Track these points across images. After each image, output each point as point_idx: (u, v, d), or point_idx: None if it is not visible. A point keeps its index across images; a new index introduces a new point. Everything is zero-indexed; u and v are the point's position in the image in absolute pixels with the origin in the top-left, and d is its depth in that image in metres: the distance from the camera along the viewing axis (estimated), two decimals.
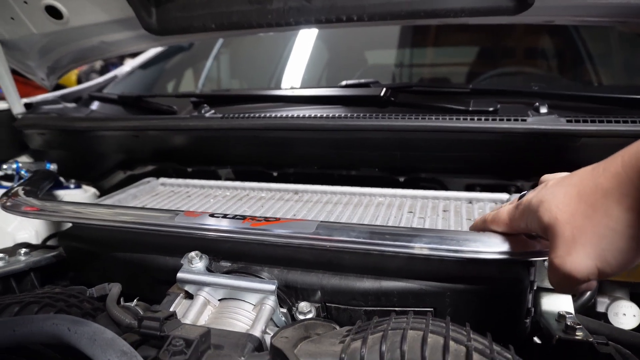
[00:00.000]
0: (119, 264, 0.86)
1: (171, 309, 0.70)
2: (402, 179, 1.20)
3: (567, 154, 1.00)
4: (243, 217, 0.73)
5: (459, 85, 1.29)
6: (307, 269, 0.73)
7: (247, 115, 1.19)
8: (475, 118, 1.00)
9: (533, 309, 0.72)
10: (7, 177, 1.42)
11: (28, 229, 1.33)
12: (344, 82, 1.40)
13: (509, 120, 0.98)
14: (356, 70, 2.24)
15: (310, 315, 0.71)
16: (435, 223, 0.89)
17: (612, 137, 0.92)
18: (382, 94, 1.21)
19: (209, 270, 0.73)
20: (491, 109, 1.12)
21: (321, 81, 2.25)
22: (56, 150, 1.63)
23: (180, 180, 1.25)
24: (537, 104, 1.02)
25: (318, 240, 0.67)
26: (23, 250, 0.92)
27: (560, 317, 0.69)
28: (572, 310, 0.72)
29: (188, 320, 0.68)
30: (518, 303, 0.69)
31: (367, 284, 0.71)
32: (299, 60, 2.26)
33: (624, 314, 0.91)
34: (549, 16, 1.10)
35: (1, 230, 1.28)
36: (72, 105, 1.84)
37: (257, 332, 0.64)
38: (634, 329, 0.90)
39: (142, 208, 0.88)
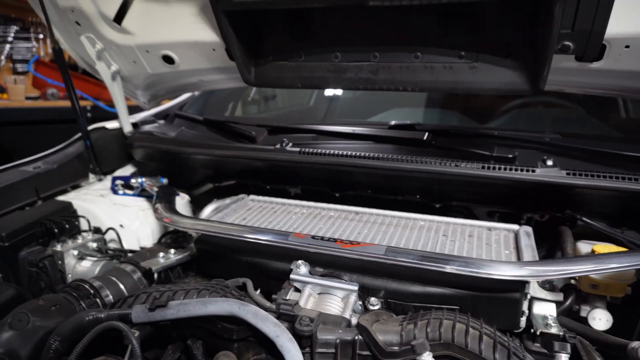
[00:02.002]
0: (240, 265, 1.25)
1: (286, 298, 1.08)
2: (437, 205, 1.55)
3: (565, 198, 1.34)
4: (335, 240, 1.11)
5: (486, 132, 1.61)
6: (376, 276, 1.10)
7: (320, 151, 1.56)
8: (497, 167, 1.35)
9: (527, 311, 1.07)
10: (129, 187, 1.84)
11: (146, 229, 1.75)
12: (392, 122, 1.75)
13: (522, 171, 1.32)
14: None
15: (377, 307, 1.08)
16: (463, 246, 1.24)
17: (598, 190, 1.25)
18: (425, 138, 1.56)
19: (310, 273, 1.11)
20: (510, 156, 1.45)
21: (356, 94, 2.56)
22: (156, 163, 2.04)
23: (265, 198, 1.63)
24: (545, 157, 1.35)
25: (386, 259, 1.04)
26: (172, 251, 1.32)
27: (544, 317, 1.04)
28: (554, 314, 1.07)
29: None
30: (515, 307, 1.04)
31: (416, 288, 1.07)
32: None
33: (600, 319, 1.24)
34: (559, 86, 1.42)
35: (128, 229, 1.70)
36: (162, 122, 2.25)
37: (347, 316, 1.01)
38: (606, 331, 1.23)
39: (263, 229, 1.27)
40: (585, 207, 1.35)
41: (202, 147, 1.77)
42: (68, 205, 1.65)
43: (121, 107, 1.99)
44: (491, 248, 1.23)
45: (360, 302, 1.09)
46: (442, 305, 1.06)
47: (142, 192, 1.79)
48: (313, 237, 1.14)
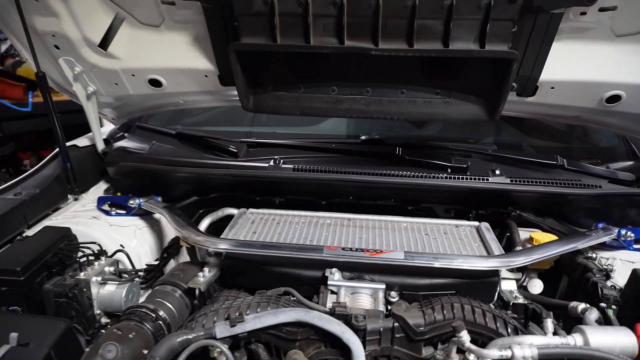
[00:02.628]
0: (272, 275, 1.46)
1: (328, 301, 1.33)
2: (410, 208, 1.90)
3: (508, 198, 1.77)
4: (362, 250, 1.38)
5: (443, 145, 1.99)
6: (393, 274, 1.41)
7: (312, 168, 1.80)
8: (460, 177, 1.73)
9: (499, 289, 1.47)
10: (118, 206, 1.88)
11: (144, 246, 1.83)
12: (363, 137, 2.05)
13: (478, 180, 1.72)
14: None
15: (396, 299, 1.38)
16: (444, 242, 1.60)
17: (531, 192, 1.70)
18: (397, 152, 1.89)
19: (343, 278, 1.38)
20: (464, 165, 1.85)
21: None
22: (133, 179, 2.07)
23: (263, 210, 1.82)
24: (494, 167, 1.77)
25: (407, 263, 1.35)
26: (206, 269, 1.47)
27: (511, 292, 1.45)
28: (515, 288, 1.48)
29: None
30: (494, 287, 1.43)
31: (425, 281, 1.40)
32: None
33: (536, 286, 1.69)
34: (508, 112, 1.82)
35: (128, 248, 1.77)
36: (126, 135, 2.25)
37: (381, 309, 1.30)
38: (540, 293, 1.69)
39: (298, 245, 1.48)
40: (520, 203, 1.81)
41: (196, 166, 1.88)
42: (67, 231, 1.66)
43: (95, 126, 1.98)
44: (464, 242, 1.61)
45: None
46: (443, 291, 1.41)
47: (138, 211, 1.86)
48: (343, 248, 1.40)
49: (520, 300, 1.41)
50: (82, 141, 2.08)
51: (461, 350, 1.19)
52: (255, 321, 1.18)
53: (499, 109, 1.57)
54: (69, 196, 1.94)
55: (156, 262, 1.75)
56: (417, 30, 1.40)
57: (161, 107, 2.05)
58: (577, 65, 1.57)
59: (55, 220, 1.79)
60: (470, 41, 1.42)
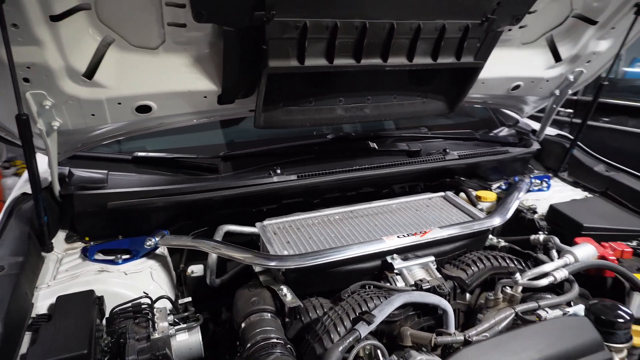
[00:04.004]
0: (338, 276, 1.61)
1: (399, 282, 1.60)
2: (384, 191, 2.24)
3: (455, 170, 2.29)
4: (412, 234, 1.67)
5: (399, 135, 2.38)
6: (431, 247, 1.74)
7: (312, 173, 1.96)
8: (423, 160, 2.16)
9: None
10: (110, 252, 1.68)
11: (162, 285, 1.72)
12: (330, 136, 2.26)
13: (438, 160, 2.18)
14: None
15: (436, 266, 1.73)
16: (434, 214, 2.00)
17: (471, 164, 2.25)
18: (371, 146, 2.19)
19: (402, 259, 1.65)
20: (418, 149, 2.28)
21: None
22: (106, 219, 1.82)
23: (276, 220, 1.88)
24: (446, 148, 2.25)
25: (445, 235, 1.71)
26: (283, 287, 1.52)
27: (491, 239, 1.97)
28: (492, 236, 2.01)
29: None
30: (486, 239, 1.93)
31: (451, 246, 1.79)
32: None
33: None
34: None
35: (149, 291, 1.63)
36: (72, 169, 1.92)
37: (440, 276, 1.64)
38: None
39: (358, 243, 1.62)
40: (461, 172, 2.35)
41: (189, 193, 1.81)
42: (92, 294, 1.43)
43: (54, 166, 1.65)
44: (446, 210, 2.05)
45: None
46: (460, 251, 1.83)
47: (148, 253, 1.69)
48: (398, 236, 1.66)
49: (503, 243, 1.94)
50: (26, 186, 1.70)
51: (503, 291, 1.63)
52: (381, 314, 1.37)
53: (457, 104, 2.03)
54: (43, 254, 1.61)
55: (189, 299, 1.66)
56: (417, 47, 1.71)
57: (129, 134, 1.83)
58: (499, 65, 2.13)
59: (49, 288, 1.49)
60: (451, 55, 1.81)
